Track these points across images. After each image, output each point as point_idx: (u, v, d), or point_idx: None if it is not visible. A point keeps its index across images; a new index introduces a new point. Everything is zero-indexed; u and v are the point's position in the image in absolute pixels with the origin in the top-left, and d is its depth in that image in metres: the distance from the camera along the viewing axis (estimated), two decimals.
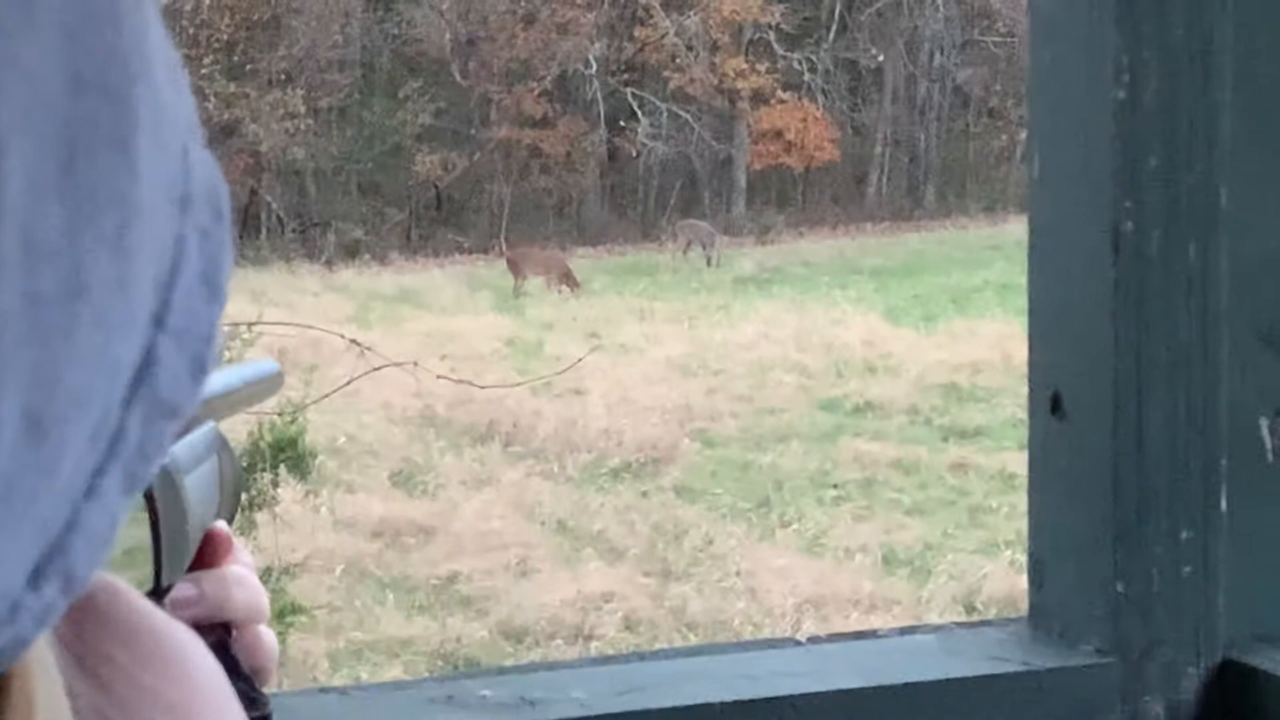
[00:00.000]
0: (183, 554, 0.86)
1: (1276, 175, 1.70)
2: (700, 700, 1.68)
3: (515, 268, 33.54)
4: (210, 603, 0.91)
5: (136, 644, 0.60)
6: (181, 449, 0.86)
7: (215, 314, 0.54)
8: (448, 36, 47.60)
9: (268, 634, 0.94)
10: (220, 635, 0.91)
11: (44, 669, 0.54)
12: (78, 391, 0.47)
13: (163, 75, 0.52)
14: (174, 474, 0.84)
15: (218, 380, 0.94)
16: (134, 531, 0.80)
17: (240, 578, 0.93)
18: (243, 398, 1.01)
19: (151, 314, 0.51)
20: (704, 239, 37.48)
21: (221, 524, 0.94)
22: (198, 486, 0.88)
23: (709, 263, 36.38)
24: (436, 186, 46.62)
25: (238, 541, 0.95)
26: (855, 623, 15.15)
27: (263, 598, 0.95)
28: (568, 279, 32.54)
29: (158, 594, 0.84)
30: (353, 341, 10.12)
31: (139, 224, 0.49)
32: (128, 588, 0.62)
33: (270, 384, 1.06)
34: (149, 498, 0.81)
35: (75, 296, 0.46)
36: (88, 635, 0.59)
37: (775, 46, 46.48)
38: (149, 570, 0.83)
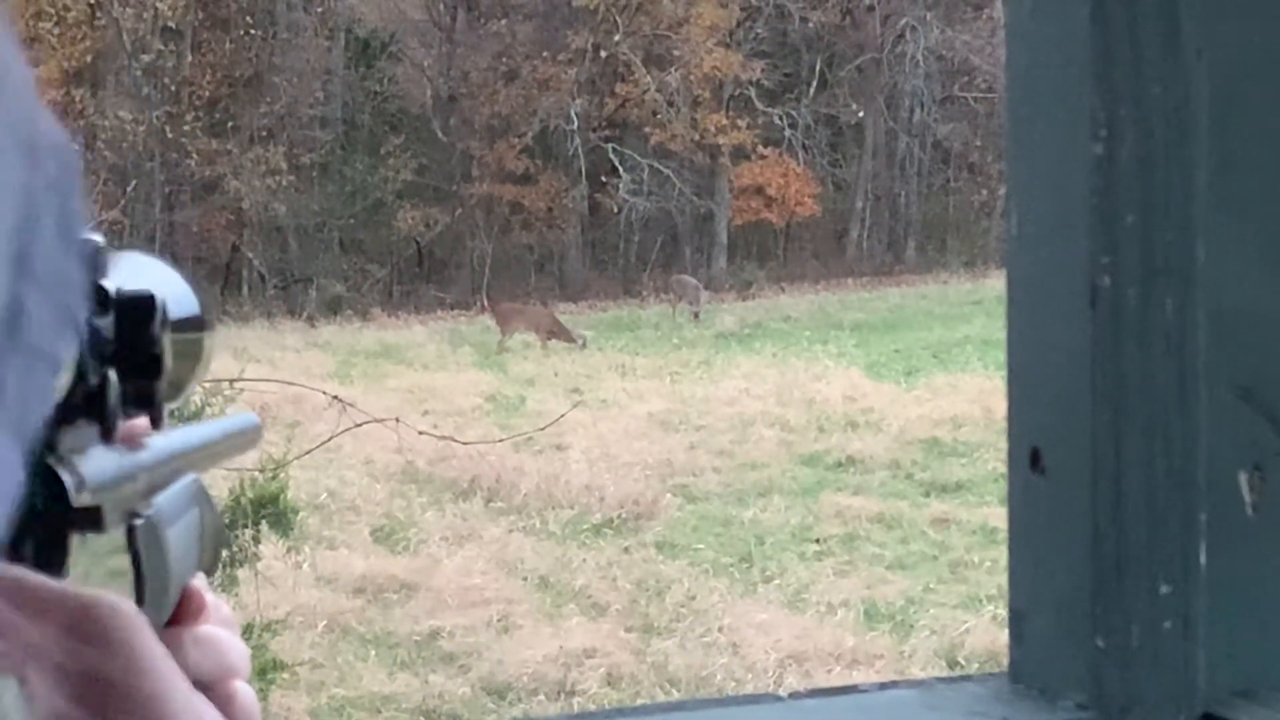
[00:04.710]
0: (164, 607, 0.86)
1: (1253, 230, 1.71)
2: None
3: (504, 323, 33.46)
4: None
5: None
6: (164, 500, 0.85)
7: (74, 265, 0.54)
8: (429, 93, 47.74)
9: (244, 691, 0.92)
10: None
11: None
12: None
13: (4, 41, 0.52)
14: (158, 525, 0.83)
15: (197, 432, 0.94)
16: (117, 584, 0.79)
17: (197, 637, 0.91)
18: (222, 450, 1.00)
19: (12, 260, 0.51)
20: (690, 295, 37.55)
21: (201, 578, 0.93)
22: (179, 538, 0.87)
23: (696, 317, 36.45)
24: (418, 242, 46.67)
25: (214, 598, 0.94)
26: (837, 677, 15.12)
27: (233, 654, 0.92)
28: (558, 333, 32.47)
29: None
30: (334, 398, 10.14)
31: None
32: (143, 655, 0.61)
33: (249, 437, 1.06)
34: (133, 550, 0.80)
35: None
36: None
37: (756, 102, 46.66)
38: None
